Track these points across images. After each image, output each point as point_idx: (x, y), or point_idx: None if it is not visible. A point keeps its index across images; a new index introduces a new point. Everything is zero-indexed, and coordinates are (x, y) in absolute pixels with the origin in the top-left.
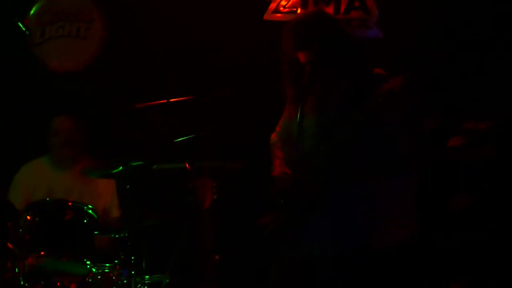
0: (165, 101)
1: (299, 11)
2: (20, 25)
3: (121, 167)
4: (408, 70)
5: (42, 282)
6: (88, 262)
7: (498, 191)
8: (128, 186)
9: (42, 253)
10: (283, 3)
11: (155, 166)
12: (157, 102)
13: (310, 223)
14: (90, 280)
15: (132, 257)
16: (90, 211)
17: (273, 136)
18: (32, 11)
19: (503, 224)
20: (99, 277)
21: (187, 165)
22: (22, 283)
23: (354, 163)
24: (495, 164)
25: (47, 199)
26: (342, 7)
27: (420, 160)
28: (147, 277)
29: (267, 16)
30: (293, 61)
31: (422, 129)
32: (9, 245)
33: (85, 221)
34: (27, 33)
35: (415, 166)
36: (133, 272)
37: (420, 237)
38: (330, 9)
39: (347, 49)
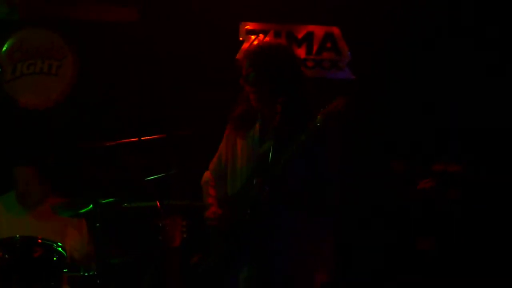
0: (136, 139)
1: None
2: None
3: (91, 206)
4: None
5: None
6: None
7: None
8: (98, 224)
9: None
10: (255, 43)
11: (125, 204)
12: (128, 140)
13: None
14: None
15: None
16: (60, 248)
17: (207, 174)
18: (4, 48)
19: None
20: None
21: (157, 203)
22: None
23: (289, 199)
24: (460, 206)
25: (17, 236)
26: (314, 48)
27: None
28: None
29: (239, 56)
30: (247, 82)
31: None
32: None
33: (54, 258)
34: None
35: (342, 209)
36: None
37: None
38: (302, 50)
39: (295, 77)
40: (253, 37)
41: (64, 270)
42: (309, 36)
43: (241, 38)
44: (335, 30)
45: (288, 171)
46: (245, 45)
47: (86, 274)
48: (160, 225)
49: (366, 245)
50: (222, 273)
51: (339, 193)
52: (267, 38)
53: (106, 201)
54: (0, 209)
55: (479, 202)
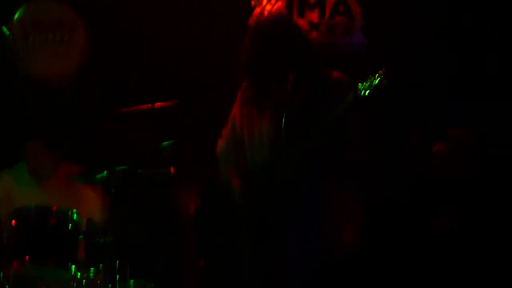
0: (149, 106)
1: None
2: (5, 29)
3: (105, 172)
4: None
5: None
6: (73, 267)
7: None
8: (112, 191)
9: (26, 259)
10: (268, 7)
11: (139, 170)
12: (141, 107)
13: (272, 231)
14: (74, 284)
15: (117, 262)
16: (74, 216)
17: (221, 144)
18: (15, 17)
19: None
20: (83, 281)
21: (172, 169)
22: None
23: (315, 168)
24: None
25: (31, 205)
26: (327, 12)
27: (371, 167)
28: (131, 282)
29: (252, 21)
30: (252, 62)
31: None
32: None
33: (69, 226)
34: (11, 37)
35: (367, 173)
36: (117, 277)
37: (368, 243)
38: (315, 14)
39: (303, 51)
40: (265, 1)
41: (80, 237)
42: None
43: (253, 3)
44: None
45: (318, 144)
46: (257, 10)
47: (101, 241)
48: (175, 191)
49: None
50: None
51: (363, 155)
52: (279, 3)
53: (120, 168)
54: (12, 182)
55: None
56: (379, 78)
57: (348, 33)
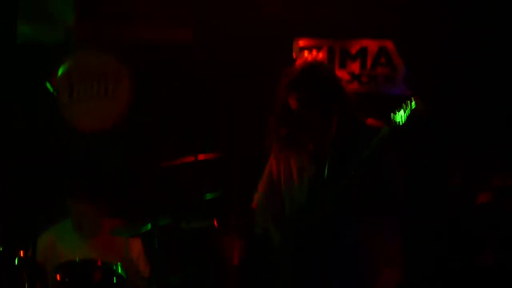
0: (192, 158)
1: None
2: (49, 86)
3: (149, 226)
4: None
5: None
6: None
7: None
8: (156, 245)
9: None
10: (310, 58)
11: (183, 224)
12: (184, 159)
13: (311, 271)
14: None
15: None
16: (119, 270)
17: (257, 196)
18: (60, 72)
19: None
20: None
21: (215, 222)
22: None
23: (354, 209)
24: None
25: (76, 259)
26: (368, 63)
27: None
28: None
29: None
30: (285, 107)
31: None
32: None
33: (114, 280)
34: (55, 94)
35: (405, 211)
36: None
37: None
38: (356, 65)
39: (338, 97)
40: (306, 53)
41: None
42: (363, 51)
43: (294, 55)
44: (389, 44)
45: (356, 183)
46: (299, 61)
47: None
48: (218, 244)
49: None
50: None
51: (402, 194)
52: (320, 54)
53: (164, 221)
54: (56, 239)
55: None
56: (412, 107)
57: (390, 83)
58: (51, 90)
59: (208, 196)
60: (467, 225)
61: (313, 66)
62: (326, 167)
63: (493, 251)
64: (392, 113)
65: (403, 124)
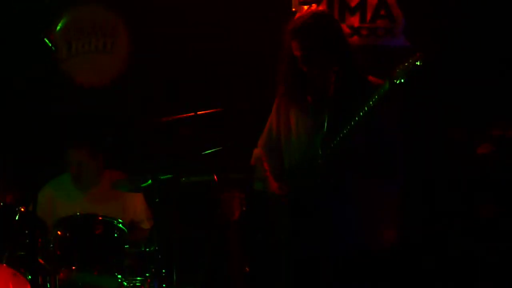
0: (193, 113)
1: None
2: (46, 40)
3: (150, 181)
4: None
5: None
6: (119, 276)
7: None
8: (157, 200)
9: (73, 267)
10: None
11: (183, 178)
12: (185, 115)
13: (311, 225)
14: None
15: (163, 270)
16: (120, 225)
17: (257, 151)
18: (58, 27)
19: None
20: None
21: (215, 177)
22: None
23: (354, 165)
24: None
25: (77, 213)
26: (368, 16)
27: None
28: None
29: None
30: (291, 60)
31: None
32: (40, 260)
33: (115, 235)
34: (53, 48)
35: (405, 171)
36: (164, 285)
37: (405, 238)
38: (355, 18)
39: (346, 47)
40: (305, 7)
41: (125, 246)
42: (363, 3)
43: (293, 9)
44: None
45: (354, 138)
46: (298, 15)
47: (147, 249)
48: (218, 199)
49: (430, 209)
50: (283, 250)
51: (402, 154)
52: (320, 7)
53: (164, 176)
54: (55, 193)
55: None
56: (415, 63)
57: (390, 36)
58: (49, 45)
59: (208, 151)
60: (467, 176)
61: (318, 14)
62: (326, 120)
63: (492, 203)
64: (393, 70)
65: (404, 81)
